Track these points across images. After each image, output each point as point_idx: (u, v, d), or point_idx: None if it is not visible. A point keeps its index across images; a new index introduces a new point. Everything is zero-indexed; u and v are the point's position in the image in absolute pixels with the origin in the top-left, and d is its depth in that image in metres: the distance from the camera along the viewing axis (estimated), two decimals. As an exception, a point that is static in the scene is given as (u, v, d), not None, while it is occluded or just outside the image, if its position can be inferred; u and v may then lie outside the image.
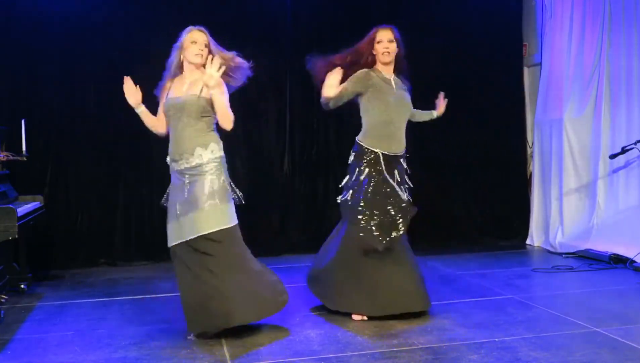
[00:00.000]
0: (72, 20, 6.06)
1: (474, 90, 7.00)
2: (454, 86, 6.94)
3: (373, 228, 4.00)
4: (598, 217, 6.07)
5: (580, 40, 6.22)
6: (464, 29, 6.95)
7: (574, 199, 6.32)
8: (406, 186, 4.21)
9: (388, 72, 4.17)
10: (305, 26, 6.65)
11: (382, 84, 4.10)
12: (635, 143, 5.55)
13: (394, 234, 4.04)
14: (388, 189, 4.06)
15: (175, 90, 3.78)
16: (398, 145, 4.11)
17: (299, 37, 6.62)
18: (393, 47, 4.09)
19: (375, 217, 4.01)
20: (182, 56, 3.78)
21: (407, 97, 4.19)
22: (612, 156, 5.73)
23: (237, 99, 6.40)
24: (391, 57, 4.11)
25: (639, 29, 5.73)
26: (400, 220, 4.07)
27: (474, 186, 7.05)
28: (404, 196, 4.14)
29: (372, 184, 4.05)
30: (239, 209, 7.02)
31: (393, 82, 4.15)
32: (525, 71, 7.22)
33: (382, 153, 4.07)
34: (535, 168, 6.80)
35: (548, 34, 6.57)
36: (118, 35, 6.17)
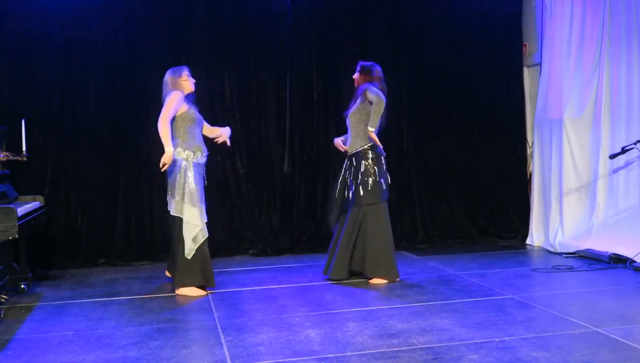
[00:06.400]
0: (72, 21, 6.05)
1: (474, 90, 6.99)
2: (454, 86, 6.96)
3: None
4: (598, 217, 6.06)
5: (580, 41, 6.21)
6: (464, 29, 6.94)
7: (574, 199, 6.31)
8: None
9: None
10: (305, 26, 6.64)
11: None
12: (635, 143, 5.55)
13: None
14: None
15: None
16: (351, 146, 5.23)
17: (299, 38, 6.62)
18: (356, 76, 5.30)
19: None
20: None
21: (354, 105, 5.21)
22: (612, 156, 5.72)
23: (237, 99, 6.50)
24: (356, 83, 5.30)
25: (639, 29, 5.73)
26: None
27: (474, 186, 7.04)
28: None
29: None
30: (239, 208, 7.02)
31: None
32: (525, 71, 7.22)
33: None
34: (535, 168, 6.79)
35: (548, 34, 6.56)
36: (118, 35, 6.16)
